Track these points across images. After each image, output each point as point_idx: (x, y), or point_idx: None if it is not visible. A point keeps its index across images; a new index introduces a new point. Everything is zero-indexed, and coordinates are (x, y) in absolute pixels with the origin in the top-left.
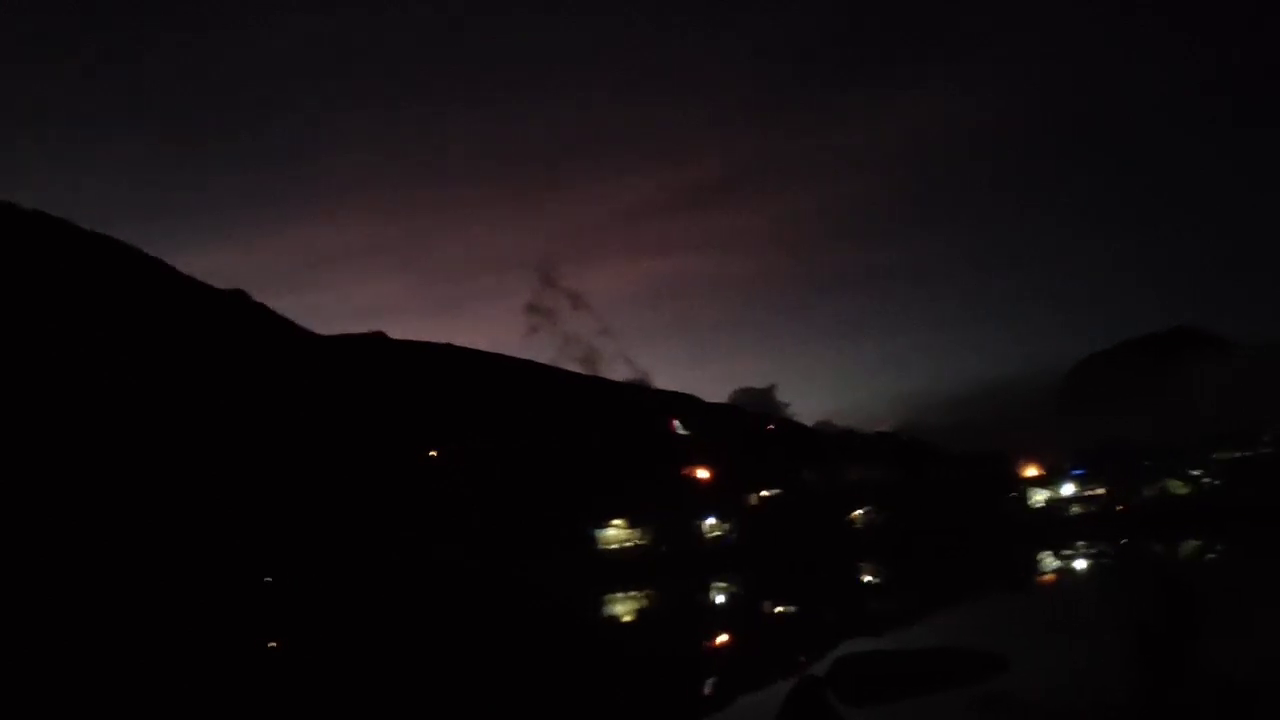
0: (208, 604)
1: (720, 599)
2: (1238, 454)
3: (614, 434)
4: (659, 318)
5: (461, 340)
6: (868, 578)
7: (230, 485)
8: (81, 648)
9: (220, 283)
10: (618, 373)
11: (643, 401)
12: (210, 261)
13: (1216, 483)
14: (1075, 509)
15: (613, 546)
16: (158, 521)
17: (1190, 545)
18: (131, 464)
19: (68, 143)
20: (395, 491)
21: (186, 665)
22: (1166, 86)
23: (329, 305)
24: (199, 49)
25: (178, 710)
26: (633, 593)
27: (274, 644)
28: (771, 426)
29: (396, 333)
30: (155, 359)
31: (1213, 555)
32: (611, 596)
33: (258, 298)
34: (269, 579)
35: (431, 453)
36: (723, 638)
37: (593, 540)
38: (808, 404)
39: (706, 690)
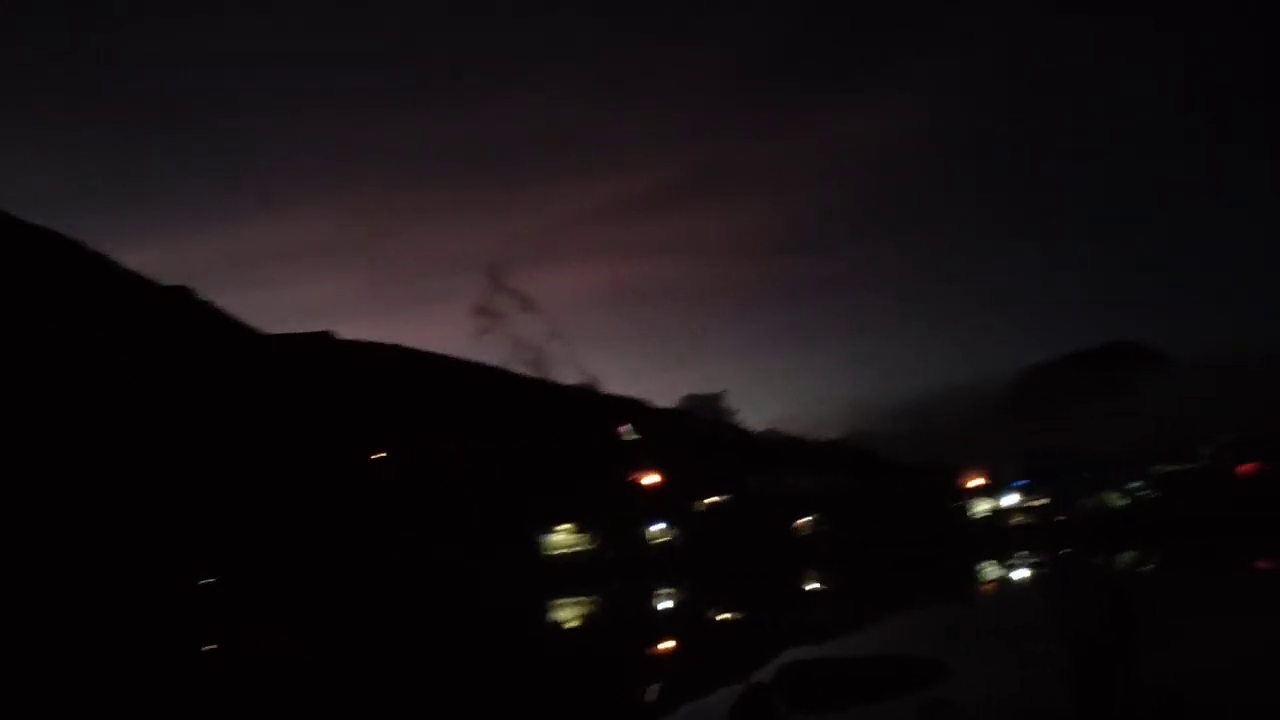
0: (145, 606)
1: (666, 605)
2: (1175, 467)
3: (563, 438)
4: (609, 322)
5: (411, 341)
6: (812, 585)
7: (169, 486)
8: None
9: (164, 279)
10: (568, 377)
11: (592, 406)
12: (153, 257)
13: (1154, 495)
14: (1017, 519)
15: (559, 551)
16: (93, 524)
17: (1127, 556)
18: (67, 465)
19: (6, 131)
20: (340, 494)
21: (123, 668)
22: (1115, 101)
23: (275, 303)
24: (145, 38)
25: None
26: (579, 598)
27: (213, 646)
28: (717, 436)
29: (345, 332)
30: (94, 357)
31: (1149, 566)
32: (557, 602)
33: (202, 295)
34: (209, 580)
35: (378, 455)
36: (667, 644)
37: (539, 545)
38: (756, 411)
39: (650, 696)
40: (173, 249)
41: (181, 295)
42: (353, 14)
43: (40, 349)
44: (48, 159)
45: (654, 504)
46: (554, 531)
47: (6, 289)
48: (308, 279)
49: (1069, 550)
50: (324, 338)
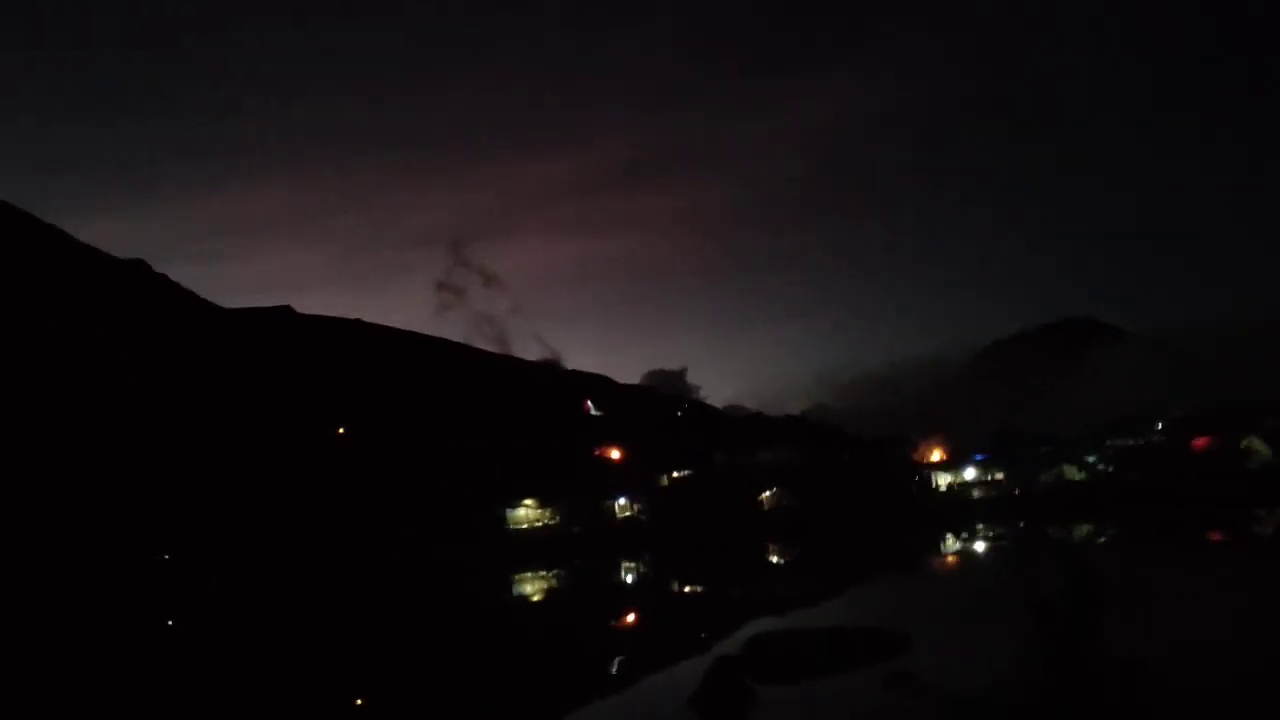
0: (102, 582)
1: (630, 579)
2: (1130, 441)
3: (526, 414)
4: (573, 298)
5: (372, 316)
6: (774, 558)
7: (128, 462)
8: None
9: (119, 251)
10: (530, 352)
11: (555, 382)
12: (109, 228)
13: (1110, 469)
14: (976, 493)
15: (523, 526)
16: (48, 501)
17: (1085, 529)
18: (25, 439)
19: None
20: (301, 470)
21: (84, 647)
22: (1076, 79)
23: (233, 277)
24: (102, 9)
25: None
26: (542, 572)
27: (170, 622)
28: (681, 412)
29: (304, 307)
30: (49, 331)
31: (1105, 538)
32: (521, 576)
33: (159, 268)
34: (165, 556)
35: (338, 430)
36: (631, 617)
37: (503, 520)
38: (719, 387)
39: (613, 669)
40: (128, 221)
41: (138, 268)
42: None
43: None
44: (0, 130)
45: (618, 479)
46: (518, 506)
47: None
48: (267, 252)
49: (1028, 523)
50: (284, 311)
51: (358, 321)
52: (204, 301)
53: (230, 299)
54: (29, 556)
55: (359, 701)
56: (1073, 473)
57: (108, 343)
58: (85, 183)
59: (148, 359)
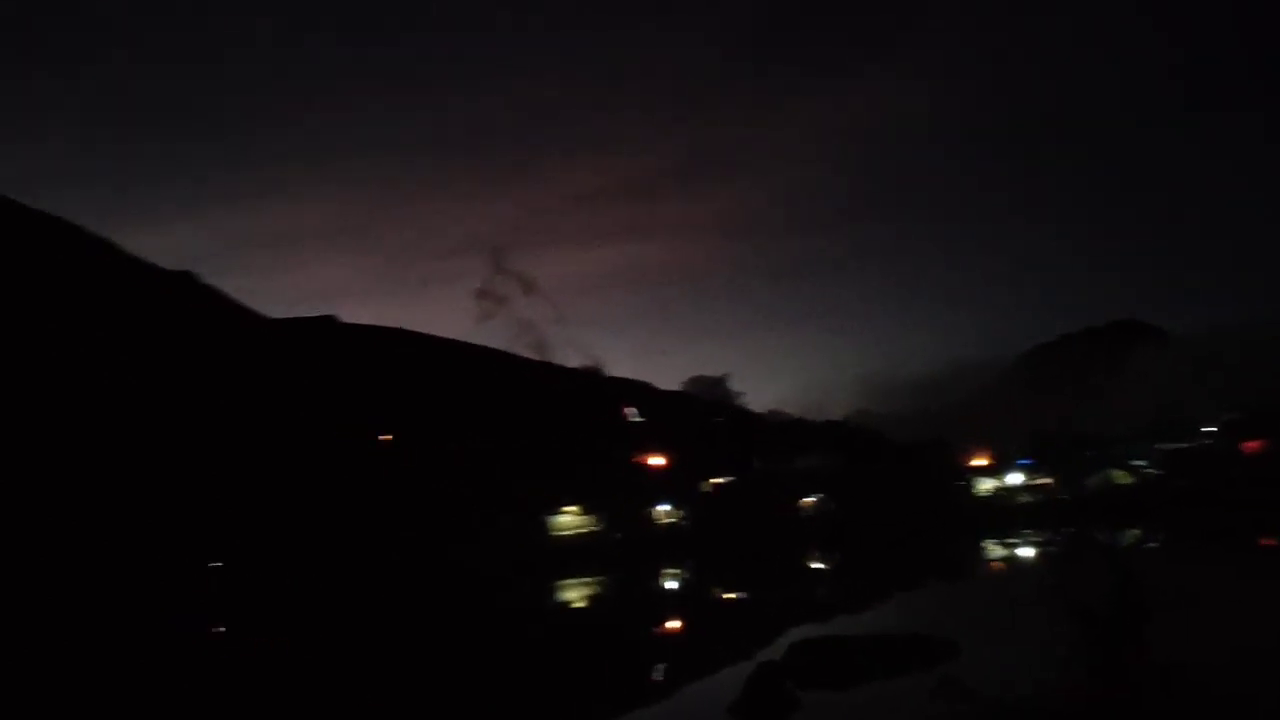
0: (155, 589)
1: (672, 585)
2: (1180, 445)
3: (567, 420)
4: (613, 305)
5: (415, 324)
6: (817, 565)
7: (176, 471)
8: (32, 636)
9: (167, 263)
10: (571, 360)
11: (596, 389)
12: (157, 241)
13: (1158, 473)
14: (1022, 498)
15: (565, 533)
16: (102, 509)
17: (1132, 534)
18: (74, 451)
19: (8, 115)
20: (346, 477)
21: (135, 652)
22: (1112, 78)
23: (279, 287)
24: (145, 21)
25: (127, 698)
26: (585, 579)
27: (221, 629)
28: (721, 418)
29: (348, 316)
30: (99, 342)
31: (1153, 544)
32: (563, 583)
33: (206, 279)
34: (217, 564)
35: (383, 438)
36: (673, 623)
37: (545, 527)
38: (761, 392)
39: (655, 676)
40: (175, 233)
41: (185, 280)
42: (350, 5)
43: (45, 334)
44: (49, 144)
45: (659, 485)
46: (560, 513)
47: (10, 274)
48: (310, 263)
49: (1074, 528)
50: (328, 321)
51: (400, 330)
52: (250, 311)
53: (275, 309)
54: (82, 564)
55: (405, 708)
56: (1120, 477)
57: (156, 353)
58: (133, 196)
59: (195, 368)
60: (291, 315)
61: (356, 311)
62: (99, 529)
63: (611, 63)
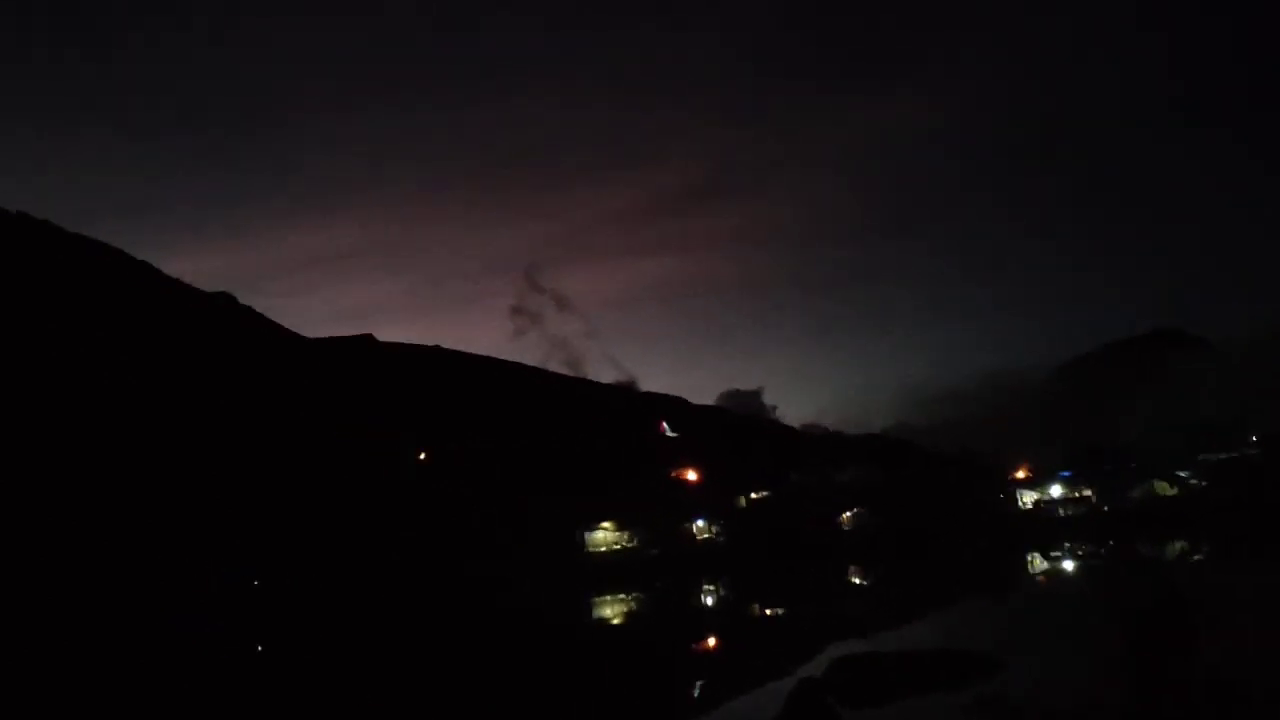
0: (196, 605)
1: (710, 601)
2: (1223, 455)
3: (602, 436)
4: (646, 320)
5: (450, 342)
6: (856, 579)
7: (218, 488)
8: (69, 646)
9: (207, 285)
10: (605, 375)
11: (631, 404)
12: (197, 263)
13: (1203, 484)
14: (1063, 510)
15: (601, 549)
16: (146, 523)
17: (1177, 546)
18: (119, 467)
19: (53, 143)
20: (384, 493)
21: (175, 666)
22: (1150, 85)
23: (316, 308)
24: (187, 49)
25: (166, 711)
26: (621, 595)
27: (261, 646)
28: (756, 432)
29: (384, 335)
30: (142, 362)
31: (1199, 556)
32: (600, 599)
33: (244, 300)
34: (257, 581)
35: (420, 454)
36: (712, 640)
37: (582, 543)
38: (796, 406)
39: (695, 693)
40: (214, 256)
41: (224, 301)
42: (384, 24)
43: (88, 354)
44: (90, 169)
45: (695, 500)
46: (596, 529)
47: (54, 297)
48: (347, 283)
49: (1117, 540)
50: (365, 340)
51: (436, 348)
52: (288, 331)
53: (313, 329)
54: (123, 578)
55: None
56: (1164, 488)
57: (198, 373)
58: (174, 220)
59: (237, 387)
60: (330, 335)
61: (393, 330)
62: (143, 540)
63: (642, 81)
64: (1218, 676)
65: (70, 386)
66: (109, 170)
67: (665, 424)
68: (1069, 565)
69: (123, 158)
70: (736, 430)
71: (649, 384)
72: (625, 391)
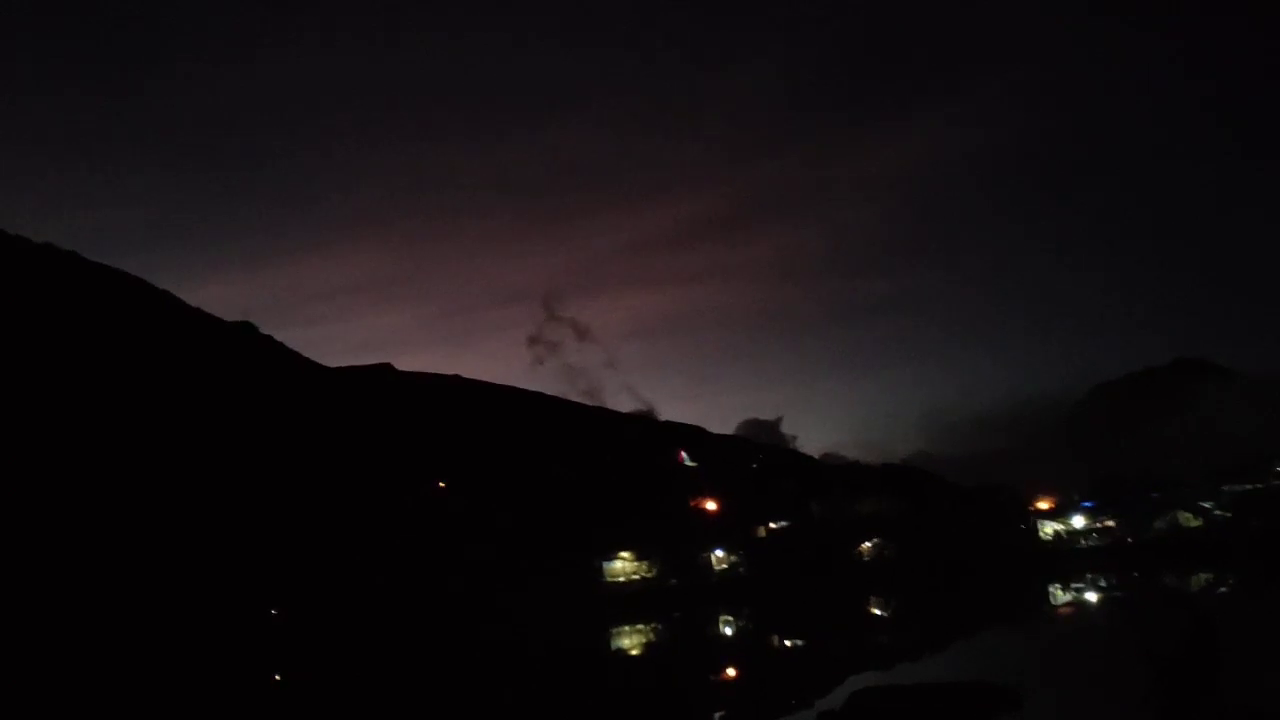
0: (215, 635)
1: (728, 631)
2: (1248, 486)
3: (621, 466)
4: (665, 349)
5: (469, 372)
6: (876, 610)
7: (240, 517)
8: (90, 678)
9: (228, 315)
10: (623, 404)
11: (649, 433)
12: (218, 293)
13: (1227, 515)
14: (1085, 541)
15: (620, 579)
16: (168, 552)
17: (1202, 578)
18: (140, 496)
19: (75, 175)
20: (402, 523)
21: (194, 696)
22: (1179, 113)
23: (336, 337)
24: (206, 81)
25: None
26: (640, 625)
27: (278, 676)
28: (774, 462)
29: (403, 365)
30: (163, 391)
31: (1225, 588)
32: (619, 629)
33: (265, 330)
34: (275, 611)
35: (439, 484)
36: (731, 672)
37: (600, 573)
38: (814, 436)
39: None
40: (235, 286)
41: (245, 331)
42: (403, 56)
43: (112, 384)
44: (112, 199)
45: (714, 530)
46: (614, 559)
47: (77, 326)
48: (366, 313)
49: (1141, 572)
50: (385, 370)
51: (455, 377)
52: (308, 361)
53: (333, 358)
54: (142, 606)
55: None
56: (1188, 519)
57: (220, 402)
58: (195, 250)
59: (258, 417)
60: (349, 364)
61: (412, 360)
62: (164, 568)
63: (661, 110)
64: (1246, 710)
65: (93, 416)
66: (132, 202)
67: (684, 453)
68: (1091, 597)
69: (145, 189)
70: (756, 459)
71: (668, 413)
72: (644, 421)
